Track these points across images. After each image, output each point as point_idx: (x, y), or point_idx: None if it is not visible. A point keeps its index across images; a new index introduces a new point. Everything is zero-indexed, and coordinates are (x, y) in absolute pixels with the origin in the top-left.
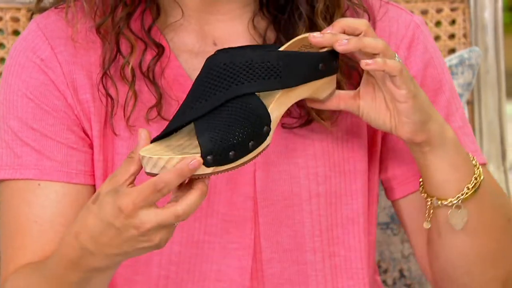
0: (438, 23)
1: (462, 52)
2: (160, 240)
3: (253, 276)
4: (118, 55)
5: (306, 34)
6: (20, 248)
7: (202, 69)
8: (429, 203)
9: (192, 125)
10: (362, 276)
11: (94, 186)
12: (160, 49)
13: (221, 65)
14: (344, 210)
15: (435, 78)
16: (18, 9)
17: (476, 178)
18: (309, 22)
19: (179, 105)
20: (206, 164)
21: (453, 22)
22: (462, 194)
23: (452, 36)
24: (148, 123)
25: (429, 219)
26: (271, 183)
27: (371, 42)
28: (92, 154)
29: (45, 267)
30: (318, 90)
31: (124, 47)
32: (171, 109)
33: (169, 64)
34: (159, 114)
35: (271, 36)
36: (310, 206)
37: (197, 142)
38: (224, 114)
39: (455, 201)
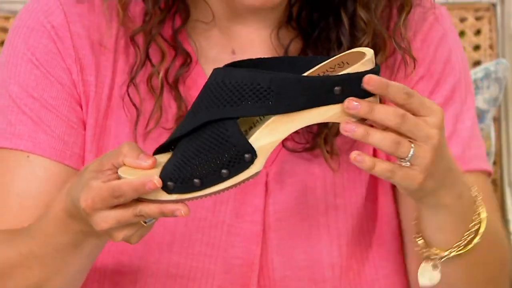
0: (462, 33)
1: (488, 65)
2: (125, 237)
3: None
4: (146, 62)
5: (358, 49)
6: None
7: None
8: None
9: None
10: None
11: None
12: (189, 58)
13: (214, 83)
14: (365, 223)
15: (453, 75)
16: (7, 18)
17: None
18: None
19: None
20: (167, 190)
21: (478, 32)
22: (451, 251)
23: (477, 48)
24: (164, 133)
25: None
26: (284, 195)
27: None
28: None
29: (30, 228)
30: (338, 116)
31: (154, 54)
32: None
33: (193, 71)
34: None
35: (294, 50)
36: (327, 219)
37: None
38: (200, 139)
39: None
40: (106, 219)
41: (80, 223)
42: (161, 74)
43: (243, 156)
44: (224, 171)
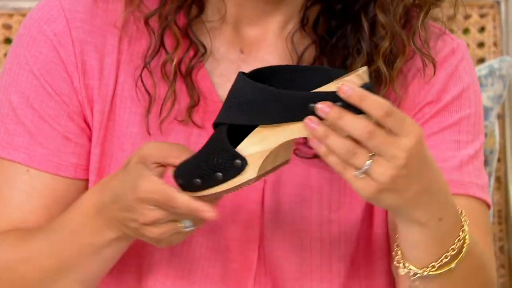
0: (466, 31)
1: (492, 62)
2: (160, 236)
3: None
4: (161, 49)
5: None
6: None
7: None
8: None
9: None
10: None
11: (86, 180)
12: (202, 49)
13: (231, 87)
14: (356, 240)
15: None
16: (11, 15)
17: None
18: (367, 59)
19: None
20: (181, 187)
21: (482, 29)
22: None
23: (481, 45)
24: (176, 125)
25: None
26: (280, 204)
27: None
28: (90, 147)
29: (50, 228)
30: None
31: (168, 41)
32: (198, 112)
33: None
34: (190, 116)
35: (308, 56)
36: (320, 233)
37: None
38: (208, 141)
39: (419, 272)
40: (152, 213)
41: (108, 220)
42: (175, 61)
43: (233, 161)
44: (219, 174)
